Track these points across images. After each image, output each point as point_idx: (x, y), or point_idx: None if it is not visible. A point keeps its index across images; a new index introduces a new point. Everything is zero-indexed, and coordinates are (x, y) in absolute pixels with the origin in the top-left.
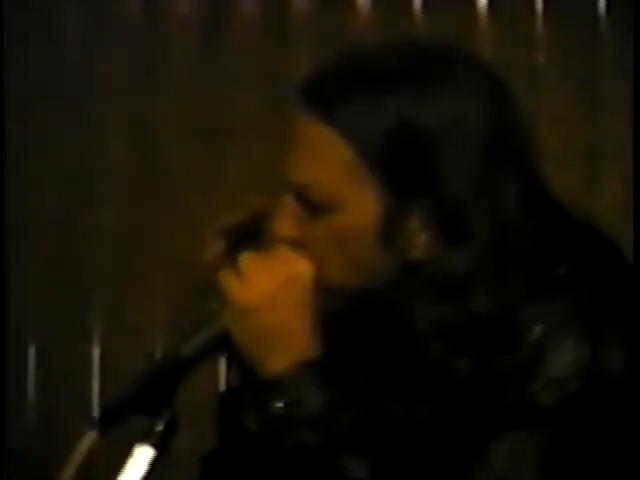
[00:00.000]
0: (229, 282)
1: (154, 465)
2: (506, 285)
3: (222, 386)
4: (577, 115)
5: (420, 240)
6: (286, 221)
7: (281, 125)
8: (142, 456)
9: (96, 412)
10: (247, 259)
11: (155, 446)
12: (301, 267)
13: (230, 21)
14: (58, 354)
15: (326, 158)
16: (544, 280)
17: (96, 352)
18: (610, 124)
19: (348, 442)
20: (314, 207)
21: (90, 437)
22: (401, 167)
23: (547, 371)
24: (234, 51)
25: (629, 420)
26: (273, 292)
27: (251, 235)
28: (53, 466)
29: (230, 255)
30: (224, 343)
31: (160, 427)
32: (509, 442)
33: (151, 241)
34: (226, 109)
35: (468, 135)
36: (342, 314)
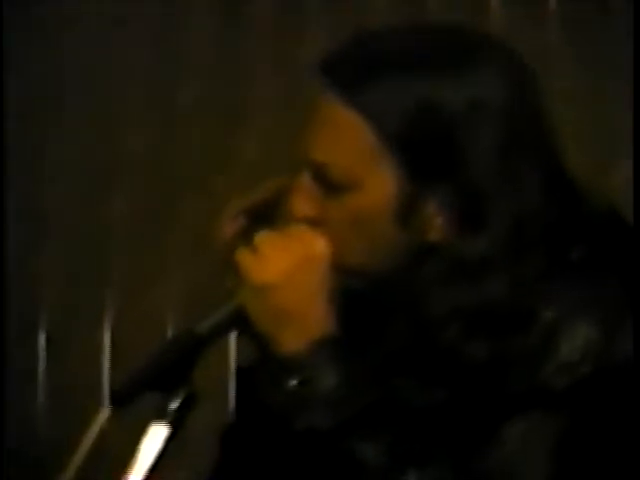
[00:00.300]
0: (246, 260)
1: (169, 442)
2: (522, 270)
3: (233, 364)
4: (591, 89)
5: (437, 223)
6: (303, 200)
7: (297, 107)
8: (157, 434)
9: (107, 395)
10: (264, 237)
11: (170, 424)
12: (319, 246)
13: (247, 7)
14: (69, 339)
15: (346, 138)
16: (558, 264)
17: (107, 336)
18: (625, 100)
19: (361, 425)
20: (332, 186)
21: (104, 414)
22: (421, 150)
23: (559, 355)
24: (251, 34)
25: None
26: (290, 270)
27: (270, 215)
28: (65, 449)
29: (248, 234)
30: (240, 321)
31: (176, 405)
32: (522, 424)
33: (166, 223)
34: (243, 92)
35: (490, 120)
36: (358, 294)
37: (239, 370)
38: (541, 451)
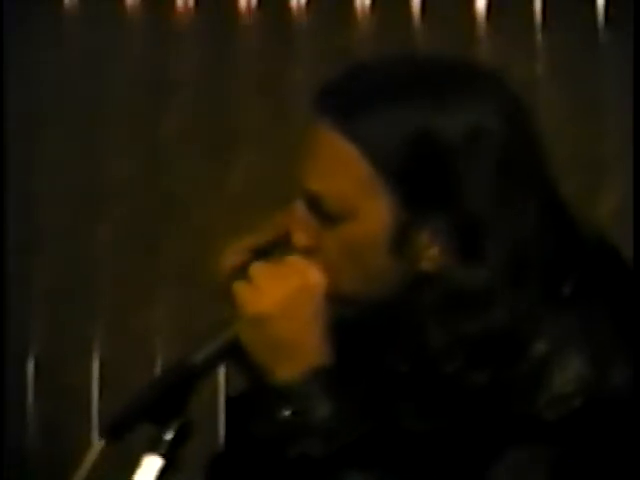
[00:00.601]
0: (242, 291)
1: (163, 475)
2: (522, 300)
3: (223, 395)
4: (577, 125)
5: (431, 253)
6: (299, 229)
7: (284, 136)
8: (151, 466)
9: (97, 423)
10: (259, 268)
11: (164, 455)
12: (314, 277)
13: (233, 33)
14: (58, 366)
15: (341, 168)
16: (551, 296)
17: (96, 364)
18: (611, 133)
19: (353, 455)
20: (327, 216)
21: (98, 446)
22: (416, 180)
23: (551, 388)
24: (237, 60)
25: (632, 438)
26: (286, 301)
27: (272, 252)
28: (55, 477)
29: (246, 268)
30: (234, 352)
31: (170, 436)
32: (514, 457)
33: (153, 252)
34: (229, 119)
35: (485, 150)
36: (354, 324)
37: (229, 400)
38: None
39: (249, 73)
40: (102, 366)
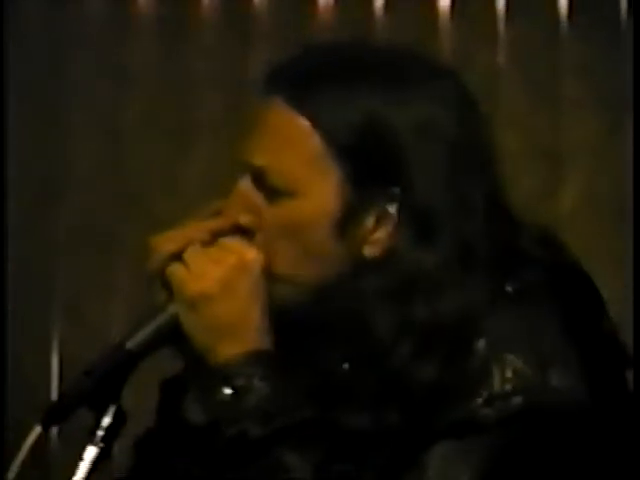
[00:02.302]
0: (177, 274)
1: (100, 461)
2: (469, 291)
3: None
4: (538, 116)
5: (377, 236)
6: (240, 205)
7: (243, 127)
8: (88, 454)
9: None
10: (193, 251)
11: (100, 442)
12: (249, 254)
13: (193, 22)
14: (18, 361)
15: (291, 142)
16: (496, 294)
17: (55, 356)
18: (571, 125)
19: (293, 437)
20: (271, 191)
21: (36, 432)
22: (365, 162)
23: (491, 385)
24: (197, 53)
25: (571, 438)
26: (223, 280)
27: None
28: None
29: (179, 255)
30: (170, 336)
31: (106, 422)
32: (444, 449)
33: (111, 243)
34: (188, 112)
35: (434, 138)
36: (296, 308)
37: (163, 383)
38: (463, 476)
39: (209, 65)
40: (61, 358)
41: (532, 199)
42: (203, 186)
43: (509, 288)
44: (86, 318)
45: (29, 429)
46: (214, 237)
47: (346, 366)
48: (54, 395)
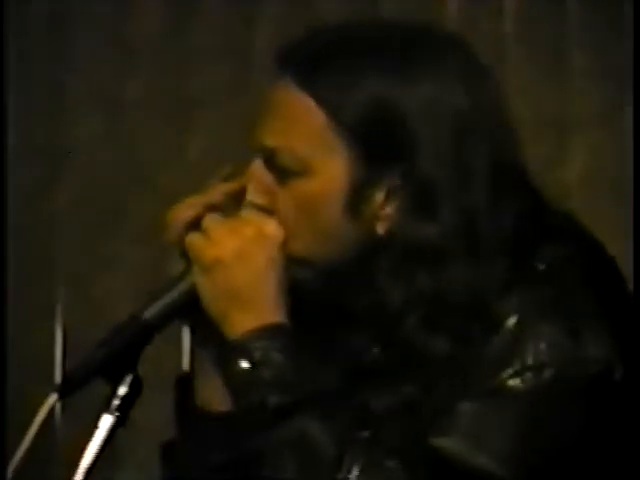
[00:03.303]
0: (195, 242)
1: (115, 430)
2: (479, 265)
3: (186, 357)
4: (544, 85)
5: (387, 212)
6: (254, 187)
7: (246, 101)
8: (104, 422)
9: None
10: (213, 220)
11: (116, 411)
12: (269, 226)
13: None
14: (21, 333)
15: (299, 122)
16: (524, 270)
17: (59, 330)
18: (577, 95)
19: (313, 408)
20: (283, 171)
21: (51, 400)
22: (373, 138)
23: (523, 357)
24: (201, 26)
25: (601, 410)
26: (241, 249)
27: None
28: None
29: (198, 223)
30: (187, 308)
31: (122, 392)
32: (473, 410)
33: (115, 217)
34: (192, 84)
35: (443, 117)
36: (312, 289)
37: (178, 379)
38: (497, 432)
39: (211, 39)
40: (65, 332)
41: (538, 167)
42: (206, 158)
43: (541, 266)
44: (89, 289)
45: (32, 399)
46: (229, 199)
47: (376, 350)
48: (58, 367)
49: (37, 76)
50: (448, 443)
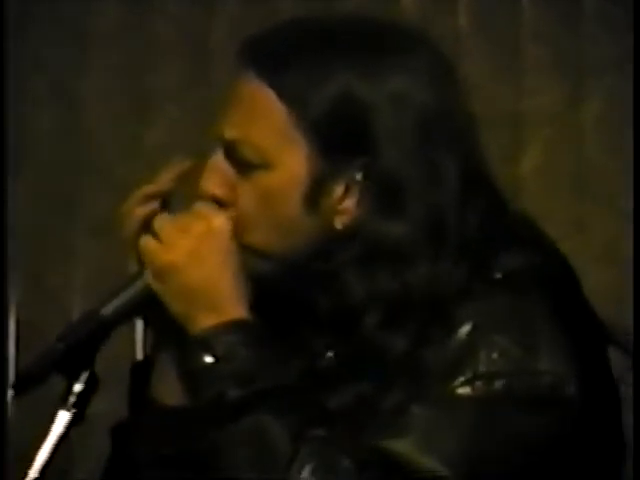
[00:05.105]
0: (148, 246)
1: (72, 426)
2: (440, 265)
3: (139, 351)
4: (500, 81)
5: (346, 206)
6: (214, 178)
7: (205, 93)
8: (60, 419)
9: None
10: (162, 221)
11: (72, 408)
12: (218, 220)
13: None
14: None
15: (259, 114)
16: (481, 277)
17: (12, 322)
18: (532, 91)
19: (271, 402)
20: (243, 164)
21: (8, 397)
22: (333, 132)
23: (476, 366)
24: (160, 19)
25: (553, 421)
26: (193, 248)
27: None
28: None
29: (151, 220)
30: (143, 305)
31: (78, 388)
32: (425, 416)
33: (72, 207)
34: (150, 77)
35: (405, 108)
36: (270, 281)
37: (132, 366)
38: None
39: (169, 32)
40: (19, 325)
41: (493, 163)
42: (164, 152)
43: (498, 274)
44: (45, 283)
45: None
46: (180, 186)
47: (330, 355)
48: (11, 361)
49: None
50: (398, 445)
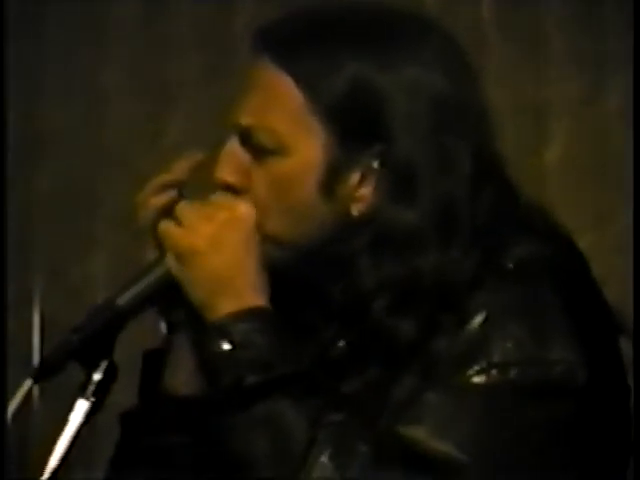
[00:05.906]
0: (169, 230)
1: (92, 416)
2: (451, 253)
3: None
4: (522, 71)
5: (362, 193)
6: (228, 166)
7: (223, 87)
8: (79, 408)
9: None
10: (185, 207)
11: (91, 397)
12: (241, 208)
13: None
14: None
15: (276, 101)
16: (493, 267)
17: (36, 316)
18: (556, 81)
19: (288, 388)
20: (259, 150)
21: (26, 385)
22: (349, 119)
23: (490, 355)
24: (180, 11)
25: (565, 410)
26: (216, 234)
27: (195, 188)
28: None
29: (170, 208)
30: (161, 294)
31: (97, 377)
32: (439, 402)
33: (92, 202)
34: (170, 69)
35: (420, 96)
36: (282, 267)
37: (145, 354)
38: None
39: (189, 24)
40: (42, 317)
41: (515, 153)
42: (184, 143)
43: (509, 264)
44: (67, 275)
45: (10, 384)
46: (196, 176)
47: (342, 344)
48: (35, 353)
49: (16, 62)
50: (414, 431)
